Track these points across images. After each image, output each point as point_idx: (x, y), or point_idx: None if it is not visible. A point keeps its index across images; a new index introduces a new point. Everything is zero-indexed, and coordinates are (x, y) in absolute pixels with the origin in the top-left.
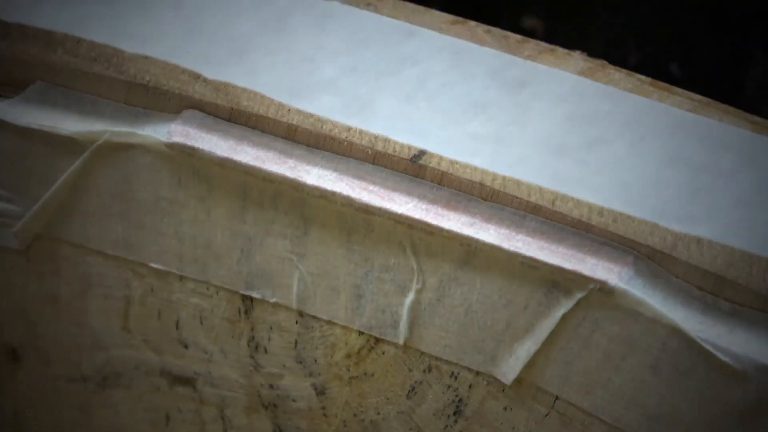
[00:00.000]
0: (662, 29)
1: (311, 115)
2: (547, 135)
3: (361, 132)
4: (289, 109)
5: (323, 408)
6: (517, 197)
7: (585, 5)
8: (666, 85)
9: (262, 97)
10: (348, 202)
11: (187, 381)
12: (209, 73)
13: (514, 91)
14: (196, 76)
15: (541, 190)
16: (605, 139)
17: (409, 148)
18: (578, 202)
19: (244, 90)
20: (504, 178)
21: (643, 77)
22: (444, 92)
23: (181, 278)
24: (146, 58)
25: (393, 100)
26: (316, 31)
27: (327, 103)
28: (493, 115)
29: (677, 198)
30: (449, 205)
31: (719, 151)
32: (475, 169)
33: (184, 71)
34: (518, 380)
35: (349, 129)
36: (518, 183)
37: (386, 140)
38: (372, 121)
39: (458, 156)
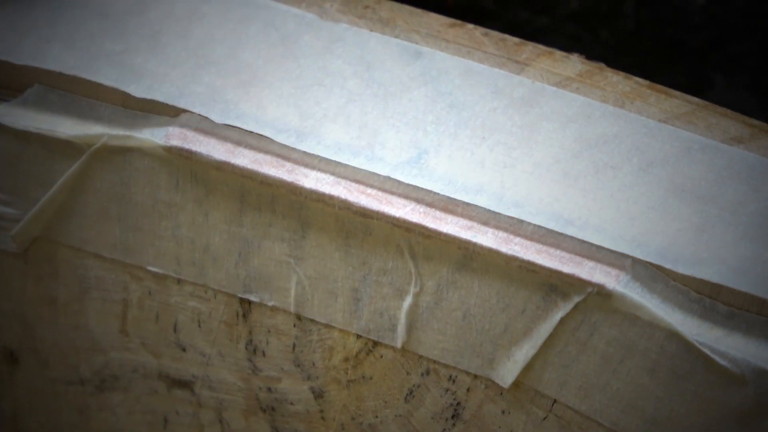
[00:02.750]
0: (624, 58)
1: (317, 156)
2: (553, 161)
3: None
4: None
5: (321, 411)
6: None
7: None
8: (664, 88)
9: (269, 140)
10: (346, 206)
11: (185, 384)
12: (216, 117)
13: (521, 111)
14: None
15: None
16: (612, 165)
17: (415, 188)
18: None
19: (251, 133)
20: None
21: (641, 80)
22: (452, 115)
23: (179, 281)
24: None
25: (401, 126)
26: (324, 55)
27: (334, 138)
28: (501, 139)
29: (683, 233)
30: (447, 208)
31: (726, 179)
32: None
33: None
34: (516, 384)
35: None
36: (521, 222)
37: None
38: (379, 156)
39: (463, 195)
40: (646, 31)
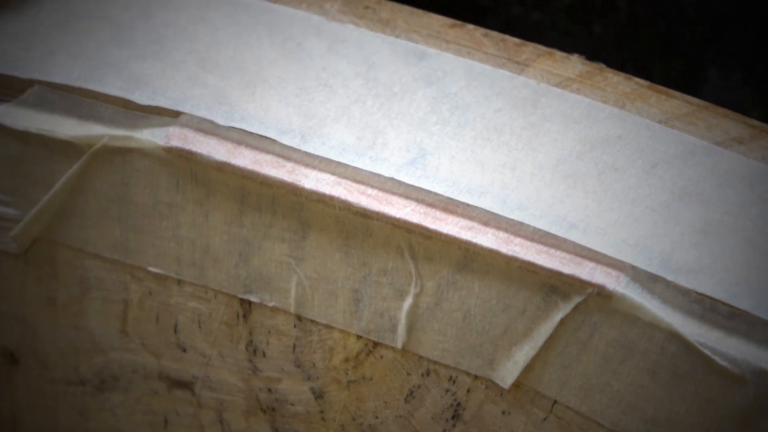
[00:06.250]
0: (618, 51)
1: (318, 157)
2: (557, 162)
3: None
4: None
5: (321, 412)
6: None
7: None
8: (664, 88)
9: (270, 140)
10: (346, 206)
11: (186, 385)
12: (220, 119)
13: (526, 112)
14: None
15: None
16: (617, 166)
17: (415, 188)
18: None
19: (251, 134)
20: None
21: (641, 81)
22: (456, 116)
23: (180, 282)
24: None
25: (405, 127)
26: (329, 56)
27: (338, 139)
28: (505, 140)
29: (686, 237)
30: (447, 209)
31: (730, 183)
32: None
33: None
34: (516, 384)
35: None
36: (521, 222)
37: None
38: (382, 157)
39: (466, 197)
40: (640, 25)
